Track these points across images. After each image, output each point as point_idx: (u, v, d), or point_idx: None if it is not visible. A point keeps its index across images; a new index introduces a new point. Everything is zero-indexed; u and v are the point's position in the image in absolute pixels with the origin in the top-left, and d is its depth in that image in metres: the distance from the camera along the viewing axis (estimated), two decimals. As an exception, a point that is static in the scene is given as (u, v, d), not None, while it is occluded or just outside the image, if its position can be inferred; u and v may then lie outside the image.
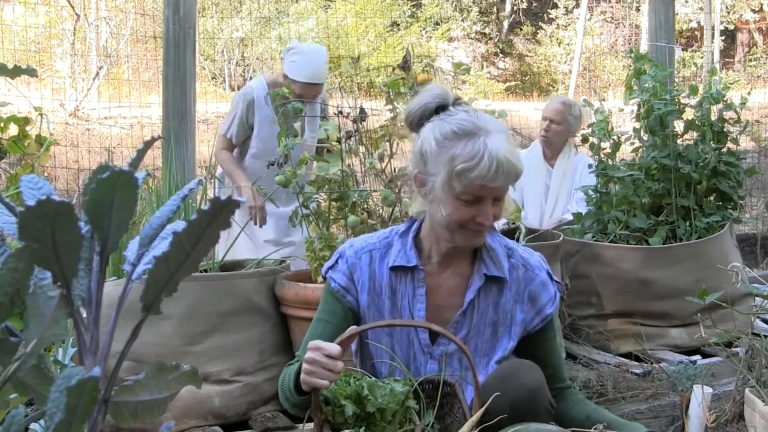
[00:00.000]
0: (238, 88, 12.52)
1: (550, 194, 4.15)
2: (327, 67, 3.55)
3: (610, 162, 3.48)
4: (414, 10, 15.82)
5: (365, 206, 2.76)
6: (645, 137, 3.46)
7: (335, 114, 2.77)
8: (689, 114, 3.46)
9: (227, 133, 3.70)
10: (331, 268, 1.93)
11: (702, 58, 14.19)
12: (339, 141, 2.70)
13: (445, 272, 1.88)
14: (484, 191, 1.72)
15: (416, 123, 1.83)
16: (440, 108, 1.80)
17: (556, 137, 4.09)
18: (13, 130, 3.35)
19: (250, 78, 12.60)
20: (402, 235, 1.90)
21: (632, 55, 3.53)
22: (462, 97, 1.90)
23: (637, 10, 15.61)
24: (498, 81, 16.33)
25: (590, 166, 3.54)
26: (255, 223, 3.61)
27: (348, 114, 2.76)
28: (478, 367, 1.83)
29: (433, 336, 1.87)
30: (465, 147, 1.70)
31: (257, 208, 3.61)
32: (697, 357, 3.05)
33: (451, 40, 17.61)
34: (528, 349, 1.89)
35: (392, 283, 1.88)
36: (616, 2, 16.90)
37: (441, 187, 1.75)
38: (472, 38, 18.32)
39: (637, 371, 2.86)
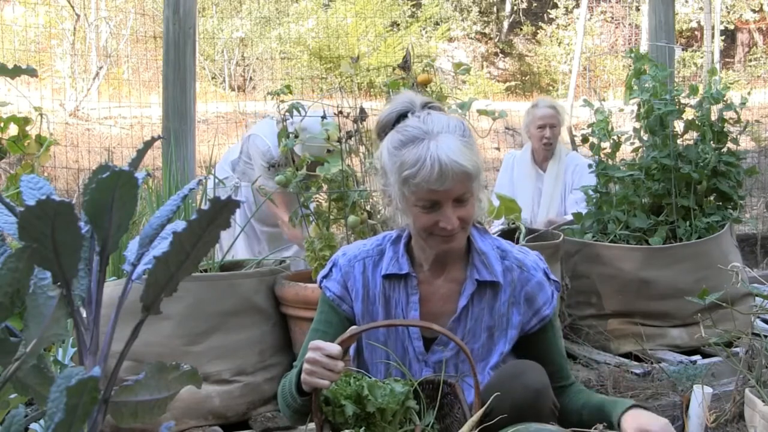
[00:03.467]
0: (239, 89, 12.53)
1: (543, 198, 4.17)
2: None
3: (610, 162, 3.48)
4: (414, 10, 15.80)
5: (365, 206, 2.76)
6: (645, 137, 3.46)
7: (335, 114, 2.77)
8: (689, 114, 3.46)
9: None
10: (325, 277, 1.92)
11: (702, 58, 14.18)
12: (339, 141, 2.70)
13: (438, 279, 1.87)
14: (437, 195, 1.68)
15: (380, 134, 1.82)
16: (402, 116, 1.78)
17: (556, 139, 4.19)
18: (13, 130, 3.34)
19: (250, 78, 12.62)
20: (394, 242, 1.88)
21: (632, 55, 3.53)
22: (434, 101, 1.87)
23: (637, 10, 15.59)
24: (498, 81, 16.30)
25: (590, 166, 3.54)
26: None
27: (348, 114, 2.75)
28: None
29: (428, 343, 1.86)
30: (409, 153, 1.68)
31: (293, 237, 3.66)
32: (697, 357, 3.05)
33: (451, 40, 17.60)
34: (529, 350, 1.87)
35: (385, 291, 1.86)
36: (616, 2, 16.87)
37: (398, 197, 1.74)
38: (472, 38, 18.30)
39: (637, 371, 2.86)
